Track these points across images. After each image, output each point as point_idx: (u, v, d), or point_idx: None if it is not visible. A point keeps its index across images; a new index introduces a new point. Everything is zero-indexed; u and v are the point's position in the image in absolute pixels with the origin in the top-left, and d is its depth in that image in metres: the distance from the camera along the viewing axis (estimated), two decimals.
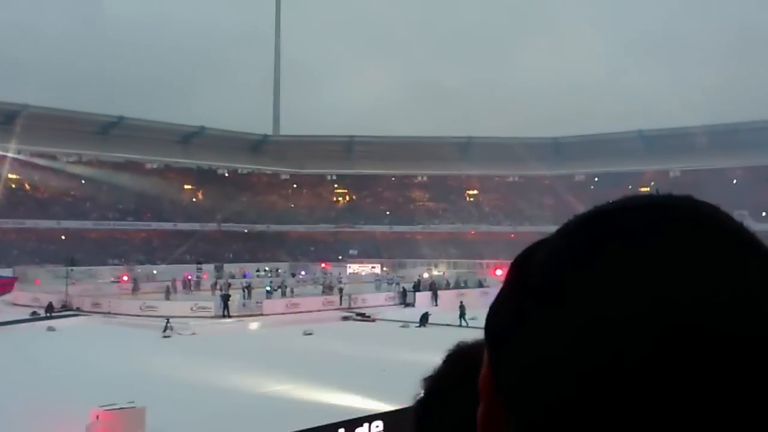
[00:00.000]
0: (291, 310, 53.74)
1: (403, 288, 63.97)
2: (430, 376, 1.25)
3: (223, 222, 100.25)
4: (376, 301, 60.70)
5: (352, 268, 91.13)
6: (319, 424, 16.88)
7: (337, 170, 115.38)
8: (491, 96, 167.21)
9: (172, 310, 50.53)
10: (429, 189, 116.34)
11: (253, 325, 48.88)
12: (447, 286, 67.09)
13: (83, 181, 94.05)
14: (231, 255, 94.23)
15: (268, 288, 63.29)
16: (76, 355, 34.00)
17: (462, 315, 45.49)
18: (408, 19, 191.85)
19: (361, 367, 29.88)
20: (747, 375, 0.51)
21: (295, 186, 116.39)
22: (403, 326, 47.01)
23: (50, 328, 45.51)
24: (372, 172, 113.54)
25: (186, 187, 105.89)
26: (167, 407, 21.99)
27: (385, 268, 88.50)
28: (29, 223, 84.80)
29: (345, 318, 52.92)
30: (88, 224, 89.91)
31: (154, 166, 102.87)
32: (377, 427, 17.48)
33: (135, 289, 65.98)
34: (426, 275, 73.47)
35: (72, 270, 62.57)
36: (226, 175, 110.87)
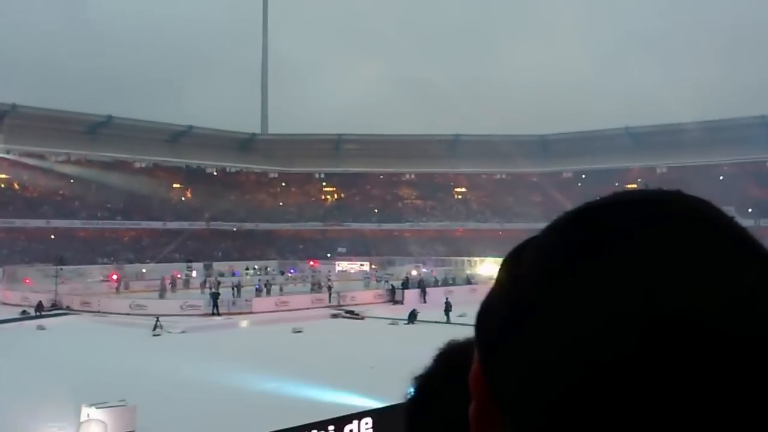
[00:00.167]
0: (280, 308, 53.89)
1: (392, 285, 64.12)
2: (421, 375, 1.25)
3: (212, 220, 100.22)
4: (365, 298, 60.83)
5: (341, 265, 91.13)
6: (309, 422, 17.12)
7: (326, 168, 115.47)
8: (479, 94, 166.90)
9: (162, 308, 50.61)
10: (417, 187, 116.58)
11: (243, 323, 49.04)
12: (435, 284, 67.28)
13: (72, 181, 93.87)
14: (220, 253, 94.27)
15: (258, 286, 63.47)
16: (66, 354, 34.03)
17: (447, 311, 45.88)
18: (395, 16, 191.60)
19: (350, 365, 29.98)
20: (742, 373, 0.50)
21: (283, 184, 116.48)
22: (391, 323, 47.16)
23: (40, 327, 45.45)
24: (360, 170, 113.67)
25: (175, 186, 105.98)
26: (158, 405, 22.12)
27: (373, 266, 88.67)
28: (18, 223, 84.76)
29: (334, 316, 53.00)
30: (77, 223, 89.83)
31: (143, 165, 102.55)
32: (366, 424, 17.69)
33: (118, 288, 66.02)
34: (414, 272, 73.62)
35: (61, 269, 62.49)
36: (215, 173, 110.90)
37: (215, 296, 52.70)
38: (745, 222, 0.61)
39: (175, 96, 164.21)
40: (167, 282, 66.20)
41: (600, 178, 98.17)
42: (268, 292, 62.00)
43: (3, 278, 67.40)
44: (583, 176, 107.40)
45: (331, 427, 17.16)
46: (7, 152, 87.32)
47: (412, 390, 1.26)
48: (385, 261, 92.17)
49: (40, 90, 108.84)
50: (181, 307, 52.16)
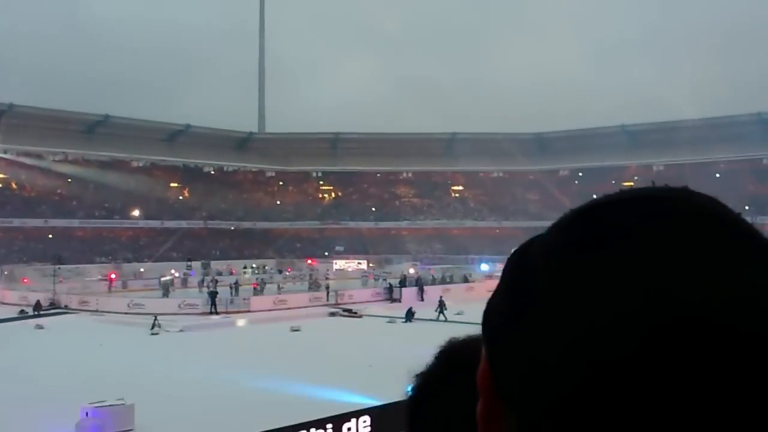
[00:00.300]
0: (278, 307, 53.94)
1: (390, 284, 64.16)
2: (421, 373, 1.24)
3: (210, 219, 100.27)
4: (363, 297, 60.87)
5: (339, 264, 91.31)
6: (307, 420, 17.21)
7: (323, 167, 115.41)
8: (475, 92, 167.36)
9: (160, 307, 50.67)
10: (414, 185, 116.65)
11: (241, 321, 49.09)
12: (433, 282, 67.32)
13: (70, 180, 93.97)
14: (218, 252, 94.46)
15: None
16: (64, 353, 34.11)
17: (441, 310, 46.09)
18: (392, 15, 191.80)
19: (347, 363, 30.00)
20: (749, 370, 0.49)
21: (281, 183, 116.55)
22: (389, 322, 47.20)
23: (38, 326, 45.46)
24: (357, 168, 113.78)
25: (172, 185, 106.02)
26: (156, 404, 22.20)
27: (371, 264, 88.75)
28: (16, 222, 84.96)
29: (332, 314, 52.97)
30: (75, 222, 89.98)
31: (141, 164, 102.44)
32: (365, 422, 17.81)
33: (110, 287, 66.02)
34: (412, 271, 73.67)
35: (59, 268, 62.66)
36: (212, 172, 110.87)
37: (213, 295, 52.74)
38: None
39: (173, 96, 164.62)
40: (175, 277, 66.05)
41: (597, 175, 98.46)
42: (262, 291, 61.96)
43: (1, 277, 67.47)
44: (580, 174, 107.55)
45: (329, 426, 17.25)
46: (5, 152, 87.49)
47: (411, 388, 1.25)
48: (383, 259, 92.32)
49: (37, 91, 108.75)
50: (179, 306, 52.24)
